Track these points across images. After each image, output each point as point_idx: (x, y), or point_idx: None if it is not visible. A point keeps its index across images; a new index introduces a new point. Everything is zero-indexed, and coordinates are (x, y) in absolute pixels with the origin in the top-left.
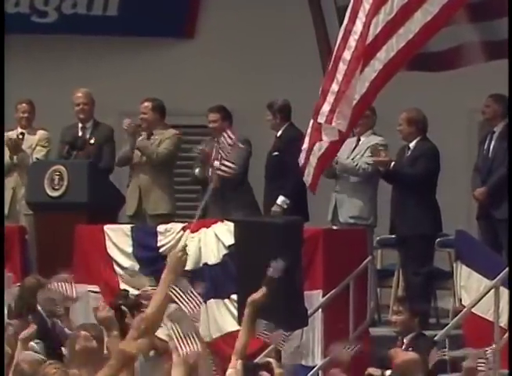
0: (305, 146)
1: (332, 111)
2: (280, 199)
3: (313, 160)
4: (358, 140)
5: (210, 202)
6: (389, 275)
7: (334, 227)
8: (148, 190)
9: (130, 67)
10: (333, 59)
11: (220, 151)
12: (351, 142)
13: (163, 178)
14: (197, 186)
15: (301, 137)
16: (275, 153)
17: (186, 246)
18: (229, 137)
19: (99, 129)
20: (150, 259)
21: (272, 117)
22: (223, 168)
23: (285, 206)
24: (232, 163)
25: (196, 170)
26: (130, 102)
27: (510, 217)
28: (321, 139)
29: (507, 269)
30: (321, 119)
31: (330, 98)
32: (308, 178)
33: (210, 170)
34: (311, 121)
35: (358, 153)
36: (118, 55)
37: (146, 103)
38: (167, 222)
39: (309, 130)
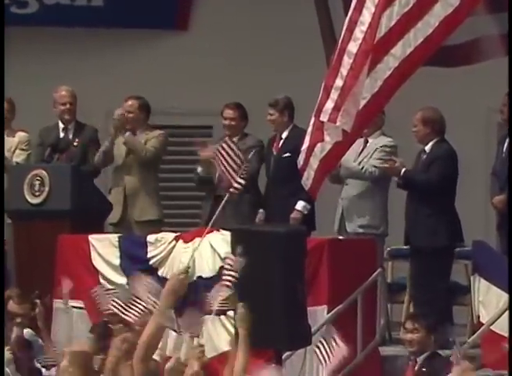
0: (305, 146)
1: (336, 109)
2: (300, 204)
3: (314, 162)
4: (366, 142)
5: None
6: (401, 289)
7: (341, 237)
8: (134, 194)
9: (116, 62)
10: (336, 51)
11: (226, 166)
12: (358, 144)
13: (150, 182)
14: (202, 186)
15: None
16: (286, 154)
17: (189, 267)
18: (231, 148)
19: (83, 130)
20: (139, 272)
21: (279, 115)
22: (236, 185)
23: (305, 212)
24: (243, 179)
25: (199, 169)
26: (116, 100)
27: (510, 217)
28: (323, 140)
29: None
30: (324, 117)
31: (334, 94)
32: (307, 181)
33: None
34: (313, 119)
35: (366, 155)
36: (104, 49)
37: (131, 101)
38: (157, 231)
39: (310, 129)
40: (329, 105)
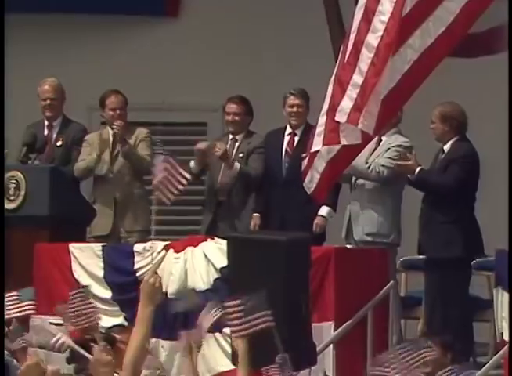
0: (315, 148)
1: (357, 109)
2: (325, 210)
3: (319, 164)
4: (380, 141)
5: (218, 218)
6: (415, 304)
7: (349, 246)
8: (126, 205)
9: (102, 52)
10: (351, 43)
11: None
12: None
13: (139, 191)
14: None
15: None
16: (303, 154)
17: (157, 267)
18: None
19: (69, 128)
20: (125, 285)
21: (306, 107)
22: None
23: (330, 218)
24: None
25: (192, 163)
26: (100, 93)
27: (510, 217)
28: (339, 142)
29: None
30: (341, 117)
31: (352, 92)
32: (310, 184)
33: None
34: (324, 119)
35: (377, 155)
36: (88, 37)
37: (114, 98)
38: (144, 240)
39: (320, 129)
40: (347, 104)
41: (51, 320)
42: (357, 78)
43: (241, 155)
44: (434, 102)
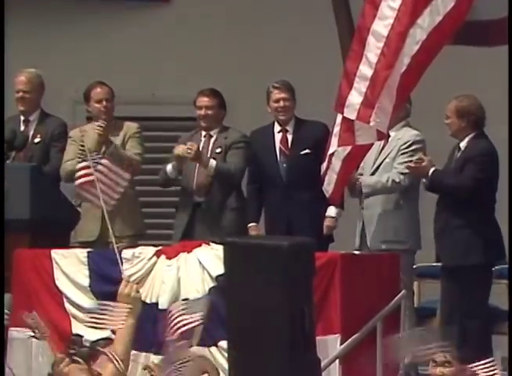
0: (333, 150)
1: (368, 105)
2: (333, 210)
3: (336, 164)
4: (388, 137)
5: (196, 221)
6: (430, 315)
7: (356, 252)
8: (114, 208)
9: (88, 40)
10: (356, 30)
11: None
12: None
13: (129, 192)
14: (164, 187)
15: (328, 132)
16: (306, 151)
17: (130, 276)
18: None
19: (47, 123)
20: (113, 294)
21: (293, 100)
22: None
23: (339, 218)
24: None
25: (169, 167)
26: (86, 85)
27: (510, 218)
28: (354, 143)
29: None
30: (349, 114)
31: (360, 85)
32: (328, 187)
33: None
34: (340, 118)
35: (387, 154)
36: (73, 24)
37: (104, 86)
38: (133, 245)
39: (337, 129)
40: (355, 98)
41: (32, 333)
42: (365, 70)
43: (218, 150)
44: (445, 93)
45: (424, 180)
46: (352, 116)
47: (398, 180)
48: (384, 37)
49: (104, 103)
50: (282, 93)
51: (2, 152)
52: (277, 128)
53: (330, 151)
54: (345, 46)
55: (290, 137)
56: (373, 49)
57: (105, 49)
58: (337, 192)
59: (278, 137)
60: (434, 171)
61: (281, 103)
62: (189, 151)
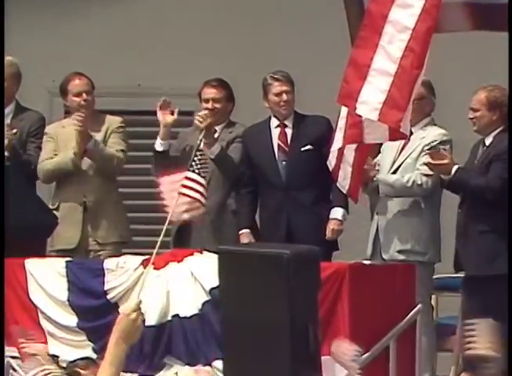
0: (337, 146)
1: (395, 107)
2: (338, 212)
3: (349, 155)
4: (410, 134)
5: (190, 225)
6: (449, 332)
7: (366, 262)
8: (97, 212)
9: (65, 24)
10: (367, 15)
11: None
12: None
13: (114, 194)
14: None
15: (331, 127)
16: (307, 147)
17: (141, 302)
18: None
19: (23, 117)
20: (94, 309)
21: (293, 93)
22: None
23: (344, 220)
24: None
25: (158, 140)
26: (63, 75)
27: (510, 220)
28: (361, 141)
29: None
30: (368, 113)
31: (380, 81)
32: (344, 182)
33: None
34: (344, 111)
35: (409, 154)
36: (49, 8)
37: (82, 77)
38: (117, 254)
39: (342, 122)
40: (376, 96)
41: (6, 353)
42: (384, 64)
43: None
44: (460, 87)
45: (443, 177)
46: (372, 116)
47: (420, 182)
48: (410, 29)
49: (84, 95)
50: (284, 86)
51: (2, 152)
52: (274, 122)
53: (335, 147)
54: (355, 33)
55: (289, 132)
56: (395, 41)
57: (84, 35)
58: (355, 186)
59: (275, 132)
60: (457, 170)
61: (284, 97)
62: (200, 119)
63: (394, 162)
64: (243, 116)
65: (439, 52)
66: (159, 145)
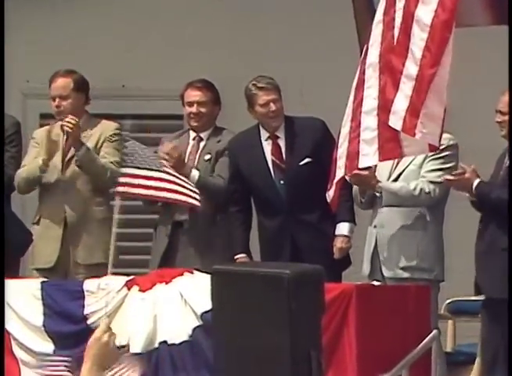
0: (339, 153)
1: (414, 113)
2: (344, 227)
3: (342, 162)
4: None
5: (178, 244)
6: (467, 361)
7: (376, 283)
8: (80, 227)
9: (44, 23)
10: (399, 14)
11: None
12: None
13: (101, 209)
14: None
15: (326, 130)
16: (306, 160)
17: (110, 322)
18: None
19: None
20: (72, 336)
21: (281, 101)
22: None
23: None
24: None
25: None
26: (42, 75)
27: (510, 222)
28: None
29: None
30: (395, 123)
31: (406, 86)
32: (331, 191)
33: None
34: (348, 119)
35: (411, 160)
36: (25, 5)
37: (61, 79)
38: (98, 274)
39: (345, 130)
40: (401, 103)
41: None
42: (411, 68)
43: (207, 157)
44: (481, 88)
45: (468, 195)
46: (397, 126)
47: (427, 190)
48: (428, 26)
49: (57, 101)
50: (270, 94)
51: (2, 151)
52: (264, 134)
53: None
54: (362, 30)
55: (282, 145)
56: (418, 42)
57: (62, 31)
58: (336, 192)
59: (267, 147)
60: (479, 184)
61: (272, 107)
62: (166, 157)
63: (393, 169)
64: (237, 121)
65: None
66: None
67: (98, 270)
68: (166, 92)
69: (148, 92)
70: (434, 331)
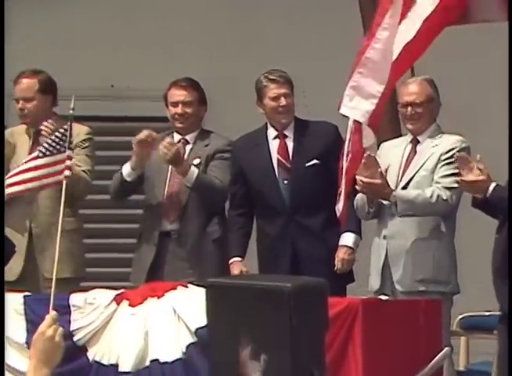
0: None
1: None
2: (349, 238)
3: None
4: (416, 143)
5: (165, 256)
6: None
7: (383, 297)
8: (45, 240)
9: (29, 20)
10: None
11: None
12: (400, 147)
13: (71, 219)
14: (118, 197)
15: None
16: (313, 161)
17: (56, 315)
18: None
19: None
20: None
21: (292, 97)
22: None
23: (356, 248)
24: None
25: (126, 166)
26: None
27: (510, 219)
28: (361, 149)
29: None
30: (358, 116)
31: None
32: (340, 204)
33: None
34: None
35: (421, 166)
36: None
37: (25, 80)
38: (86, 288)
39: (350, 128)
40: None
41: None
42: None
43: (196, 162)
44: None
45: (473, 196)
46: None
47: (445, 197)
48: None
49: (21, 103)
50: (282, 88)
51: (2, 152)
52: (272, 133)
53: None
54: (368, 26)
55: (290, 144)
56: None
57: (47, 28)
58: (344, 205)
59: (274, 145)
60: (495, 187)
61: (282, 101)
62: (165, 151)
63: (401, 175)
64: (231, 123)
65: (468, 47)
66: (128, 174)
67: (67, 285)
68: (157, 92)
69: (138, 92)
70: (446, 349)
